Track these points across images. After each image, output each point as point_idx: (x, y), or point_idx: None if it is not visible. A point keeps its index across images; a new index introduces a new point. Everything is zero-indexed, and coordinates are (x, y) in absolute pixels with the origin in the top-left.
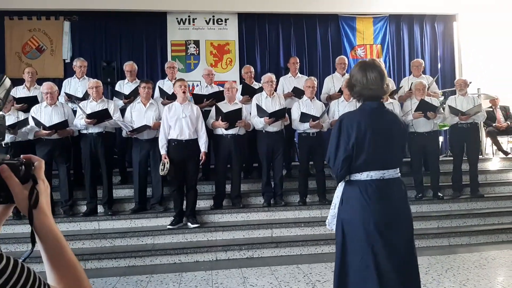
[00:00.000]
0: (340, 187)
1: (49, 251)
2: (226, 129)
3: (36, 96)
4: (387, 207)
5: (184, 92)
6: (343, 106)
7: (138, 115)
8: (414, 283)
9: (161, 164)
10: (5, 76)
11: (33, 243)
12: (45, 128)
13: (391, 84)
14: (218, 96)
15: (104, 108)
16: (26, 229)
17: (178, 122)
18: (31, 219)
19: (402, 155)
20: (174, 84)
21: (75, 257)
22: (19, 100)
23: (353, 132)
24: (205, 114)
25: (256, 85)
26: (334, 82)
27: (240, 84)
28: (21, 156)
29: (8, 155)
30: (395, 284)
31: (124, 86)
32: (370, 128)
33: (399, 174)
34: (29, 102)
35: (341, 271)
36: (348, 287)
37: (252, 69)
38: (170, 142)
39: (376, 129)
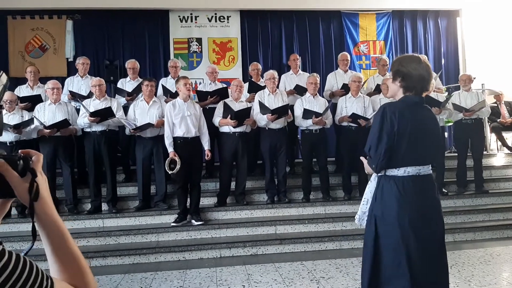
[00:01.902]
0: (373, 181)
1: (53, 241)
2: (234, 127)
3: (39, 95)
4: (422, 204)
5: (188, 90)
6: (351, 102)
7: (141, 113)
8: (443, 279)
9: (168, 161)
10: (1, 72)
11: (34, 237)
12: (45, 127)
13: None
14: (222, 93)
15: (108, 106)
16: (30, 227)
17: (184, 120)
18: (32, 212)
19: (437, 152)
20: (177, 81)
21: (77, 248)
22: (22, 99)
23: (396, 121)
24: (210, 112)
25: (262, 82)
26: (337, 78)
27: (246, 82)
28: (19, 151)
29: (4, 151)
30: (427, 281)
31: (126, 84)
32: (411, 121)
33: (431, 170)
34: (32, 101)
35: (373, 268)
36: (380, 284)
37: (260, 66)
38: (175, 140)
39: (415, 123)
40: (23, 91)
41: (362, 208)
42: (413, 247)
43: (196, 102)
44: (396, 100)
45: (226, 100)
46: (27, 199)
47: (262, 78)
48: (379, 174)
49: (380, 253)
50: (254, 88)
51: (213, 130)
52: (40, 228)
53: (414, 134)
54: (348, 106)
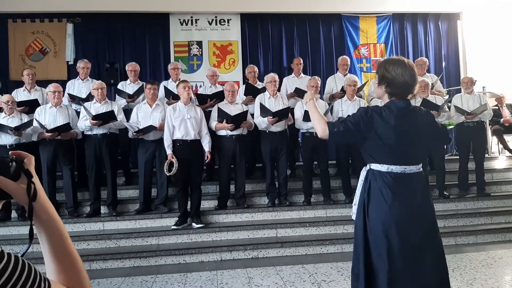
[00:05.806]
0: (362, 175)
1: (52, 240)
2: (231, 130)
3: (36, 99)
4: (406, 199)
5: (188, 93)
6: (347, 106)
7: (144, 116)
8: (439, 276)
9: (166, 164)
10: None
11: (31, 238)
12: (47, 130)
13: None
14: (221, 96)
15: (109, 109)
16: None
17: (184, 123)
18: (31, 212)
19: (426, 153)
20: (177, 85)
21: (75, 250)
22: (19, 104)
23: (379, 122)
24: (209, 114)
25: (259, 85)
26: (337, 82)
27: (243, 84)
28: (10, 152)
29: None
30: (408, 278)
31: (127, 87)
32: (394, 126)
33: (421, 169)
34: (30, 105)
35: (366, 257)
36: (373, 271)
37: (256, 68)
38: (174, 142)
39: (400, 128)
40: (20, 94)
41: (354, 201)
42: (394, 241)
43: (197, 105)
44: (382, 106)
45: (222, 104)
46: (26, 200)
47: (259, 81)
48: (367, 168)
49: (369, 244)
50: (251, 91)
51: (211, 133)
52: (40, 227)
53: (399, 138)
54: (344, 109)
